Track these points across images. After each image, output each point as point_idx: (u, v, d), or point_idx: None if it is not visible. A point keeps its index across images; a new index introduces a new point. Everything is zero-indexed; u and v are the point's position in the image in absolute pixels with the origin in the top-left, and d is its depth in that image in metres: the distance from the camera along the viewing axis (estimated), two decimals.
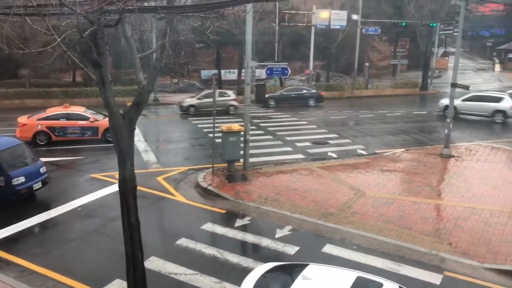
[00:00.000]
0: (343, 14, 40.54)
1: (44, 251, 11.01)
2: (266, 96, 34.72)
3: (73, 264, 10.45)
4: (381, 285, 7.63)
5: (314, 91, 35.87)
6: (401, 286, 7.89)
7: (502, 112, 28.23)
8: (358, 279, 7.71)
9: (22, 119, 21.03)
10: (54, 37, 5.79)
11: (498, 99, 28.81)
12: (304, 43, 45.19)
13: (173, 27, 6.38)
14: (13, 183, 13.20)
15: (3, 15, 6.49)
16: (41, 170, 14.40)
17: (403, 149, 21.08)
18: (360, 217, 13.26)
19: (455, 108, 28.21)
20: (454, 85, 19.83)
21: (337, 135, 24.03)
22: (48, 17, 5.74)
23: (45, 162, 17.90)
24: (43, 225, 12.55)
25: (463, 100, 29.30)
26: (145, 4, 6.57)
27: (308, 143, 22.01)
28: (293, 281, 7.70)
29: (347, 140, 23.01)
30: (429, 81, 45.28)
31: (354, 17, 40.89)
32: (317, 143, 22.21)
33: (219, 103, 31.40)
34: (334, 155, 20.08)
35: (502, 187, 15.84)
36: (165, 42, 6.21)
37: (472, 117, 29.06)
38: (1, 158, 13.40)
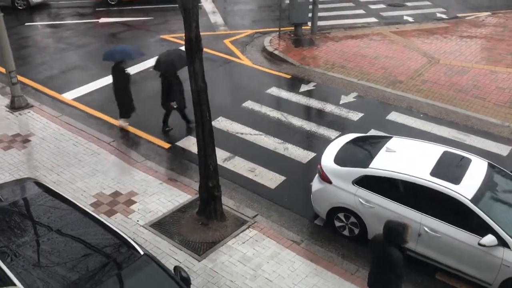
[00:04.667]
0: None
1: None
2: None
3: (148, 120, 11.25)
4: (470, 160, 7.35)
5: None
6: (491, 162, 7.58)
7: None
8: (445, 153, 7.46)
9: None
10: None
11: None
12: None
13: None
14: None
15: None
16: None
17: (488, 13, 19.15)
18: (431, 85, 12.80)
19: None
20: None
21: None
22: None
23: (117, 23, 18.41)
24: None
25: None
26: None
27: (382, 5, 20.51)
28: (376, 152, 7.64)
29: (426, 2, 21.11)
30: None
31: None
32: (393, 5, 20.62)
33: None
34: (410, 19, 18.72)
35: None
36: None
37: None
38: None
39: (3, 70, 12.26)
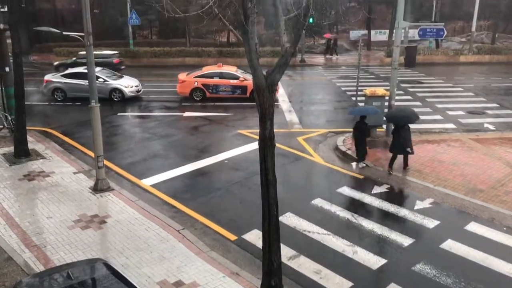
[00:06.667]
0: None
1: (194, 197, 12.26)
2: None
3: (218, 211, 11.47)
4: None
5: None
6: None
7: None
8: None
9: (182, 76, 23.10)
10: (210, 0, 6.23)
11: None
12: (467, 1, 40.73)
13: None
14: None
15: None
16: None
17: None
18: None
19: None
20: None
21: (497, 105, 21.61)
22: None
23: (199, 117, 19.66)
24: (194, 173, 13.88)
25: None
26: None
27: (461, 112, 20.23)
28: None
29: (509, 111, 20.56)
30: None
31: None
32: (472, 112, 20.28)
33: None
34: (491, 127, 18.19)
35: None
36: (309, 4, 6.23)
37: None
38: None
39: (92, 154, 13.33)
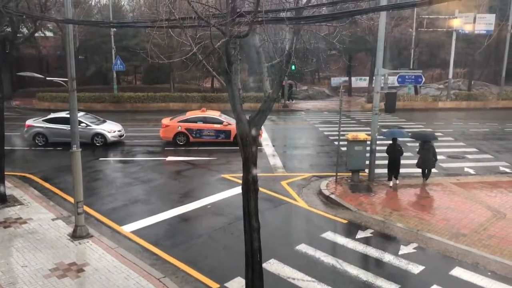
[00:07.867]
0: (491, 18, 37.06)
1: (176, 243, 11.98)
2: None
3: (200, 258, 11.19)
4: None
5: None
6: None
7: None
8: None
9: (166, 120, 23.16)
10: (194, 47, 6.35)
11: None
12: (443, 49, 42.41)
13: (300, 37, 6.53)
14: None
15: (150, 27, 7.31)
16: None
17: None
18: (498, 241, 12.00)
19: None
20: None
21: (476, 150, 22.04)
22: (187, 28, 6.32)
23: (182, 161, 19.56)
24: (176, 219, 13.63)
25: None
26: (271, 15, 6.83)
27: (442, 157, 20.50)
28: None
29: (488, 156, 20.97)
30: None
31: None
32: (453, 157, 20.62)
33: None
34: (471, 171, 18.46)
35: None
36: (291, 52, 6.40)
37: None
38: None
39: (72, 200, 13.05)
